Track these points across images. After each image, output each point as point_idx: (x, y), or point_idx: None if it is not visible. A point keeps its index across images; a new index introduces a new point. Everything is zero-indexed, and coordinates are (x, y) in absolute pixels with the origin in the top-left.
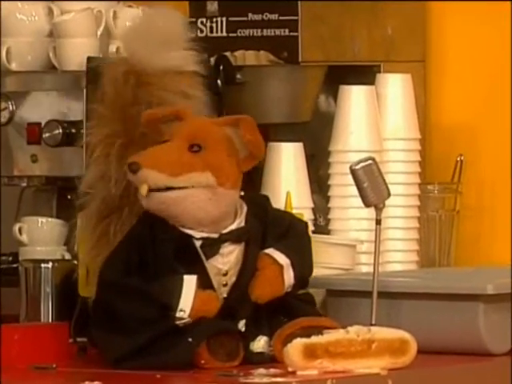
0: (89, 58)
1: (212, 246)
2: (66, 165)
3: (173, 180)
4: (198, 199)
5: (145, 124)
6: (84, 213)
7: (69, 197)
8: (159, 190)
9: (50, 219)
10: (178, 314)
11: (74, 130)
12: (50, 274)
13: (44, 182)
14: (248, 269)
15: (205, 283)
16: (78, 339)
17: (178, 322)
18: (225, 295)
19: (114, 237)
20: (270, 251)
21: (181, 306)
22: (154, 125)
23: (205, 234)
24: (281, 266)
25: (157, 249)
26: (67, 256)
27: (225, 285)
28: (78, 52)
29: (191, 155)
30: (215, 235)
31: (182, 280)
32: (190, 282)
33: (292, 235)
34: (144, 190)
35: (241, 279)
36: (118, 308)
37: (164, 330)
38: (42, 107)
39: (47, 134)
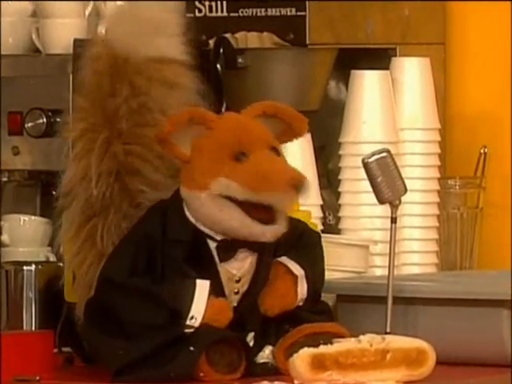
0: (75, 41)
1: (228, 250)
2: (50, 157)
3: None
4: None
5: (170, 132)
6: (67, 214)
7: (54, 193)
8: None
9: (33, 217)
10: (189, 322)
11: (59, 120)
12: (34, 278)
13: (27, 177)
14: (261, 277)
15: (216, 289)
16: (64, 349)
17: (187, 331)
18: (235, 304)
19: (101, 240)
20: (284, 260)
21: (192, 312)
22: (175, 134)
23: (224, 236)
24: (295, 277)
25: (167, 248)
26: (52, 258)
27: (236, 292)
28: (63, 34)
29: (282, 160)
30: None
31: (194, 284)
32: (202, 287)
33: (305, 245)
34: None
35: (253, 288)
36: (122, 312)
37: (172, 338)
38: (24, 94)
39: (30, 124)
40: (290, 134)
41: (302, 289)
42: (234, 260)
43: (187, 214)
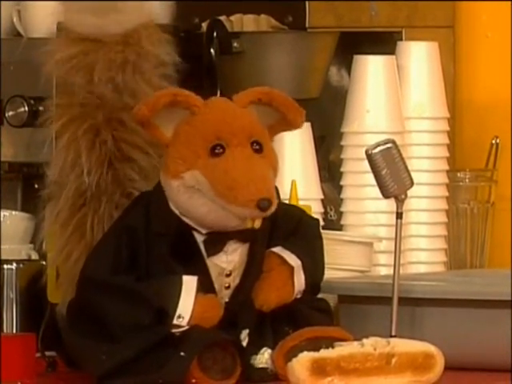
0: (59, 24)
1: (216, 243)
2: (32, 149)
3: None
4: None
5: (147, 117)
6: (53, 204)
7: (36, 186)
8: None
9: (14, 212)
10: (176, 321)
11: (42, 108)
12: (15, 277)
13: (7, 169)
14: (254, 270)
15: (205, 285)
16: (47, 353)
17: (174, 331)
18: (226, 299)
19: (91, 232)
20: (279, 250)
21: (179, 311)
22: (154, 117)
23: (211, 229)
24: (291, 268)
25: (151, 243)
26: (34, 256)
27: (227, 287)
28: (46, 16)
29: (261, 160)
30: (221, 230)
31: (180, 281)
32: (189, 283)
33: (302, 233)
34: (259, 223)
35: (245, 281)
36: (104, 312)
37: (158, 339)
38: (4, 81)
39: (10, 113)
40: (285, 125)
41: (299, 280)
42: (224, 253)
43: (171, 205)
